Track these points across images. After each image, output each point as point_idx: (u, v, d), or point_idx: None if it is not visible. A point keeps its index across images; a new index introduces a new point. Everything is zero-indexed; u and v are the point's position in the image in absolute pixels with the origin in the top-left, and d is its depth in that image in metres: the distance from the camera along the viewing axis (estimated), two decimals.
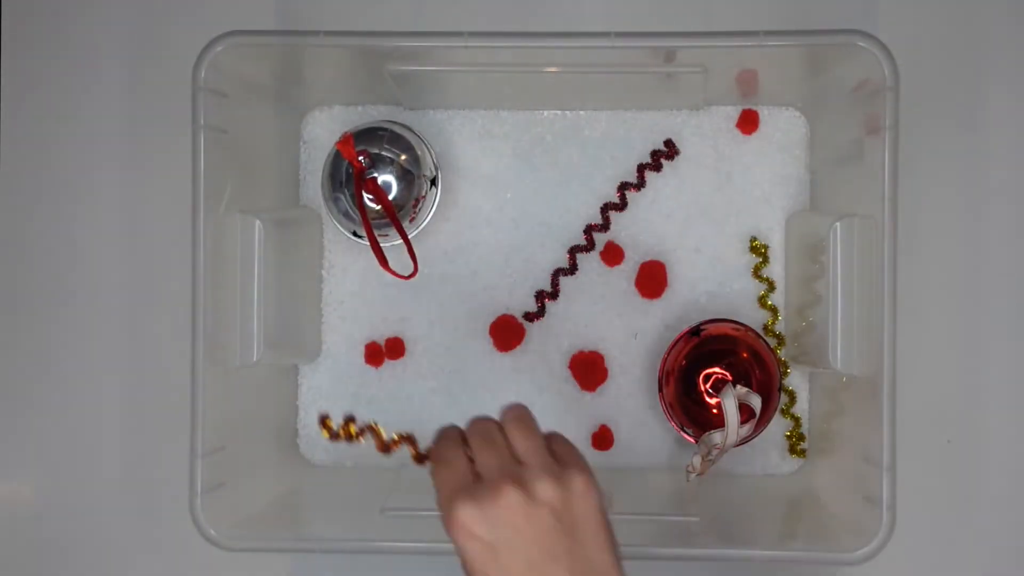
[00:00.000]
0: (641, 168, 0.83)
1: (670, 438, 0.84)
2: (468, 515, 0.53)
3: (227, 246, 0.72)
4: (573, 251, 0.83)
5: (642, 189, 0.83)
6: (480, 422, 0.58)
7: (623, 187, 0.83)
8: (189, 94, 0.70)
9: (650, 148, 0.84)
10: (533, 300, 0.84)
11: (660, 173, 0.83)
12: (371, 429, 0.63)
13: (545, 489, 0.53)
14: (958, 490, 0.83)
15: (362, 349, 0.85)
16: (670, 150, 0.83)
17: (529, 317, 0.84)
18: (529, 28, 0.83)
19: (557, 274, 0.83)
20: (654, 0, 0.84)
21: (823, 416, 0.82)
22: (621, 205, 0.83)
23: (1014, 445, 0.83)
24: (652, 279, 0.83)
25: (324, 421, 0.64)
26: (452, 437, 0.58)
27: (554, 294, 0.83)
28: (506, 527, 0.52)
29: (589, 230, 0.83)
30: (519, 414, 0.58)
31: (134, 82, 0.86)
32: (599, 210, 0.83)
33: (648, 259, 0.83)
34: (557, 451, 0.57)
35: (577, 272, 0.83)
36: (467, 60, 0.74)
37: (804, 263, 0.80)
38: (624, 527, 0.75)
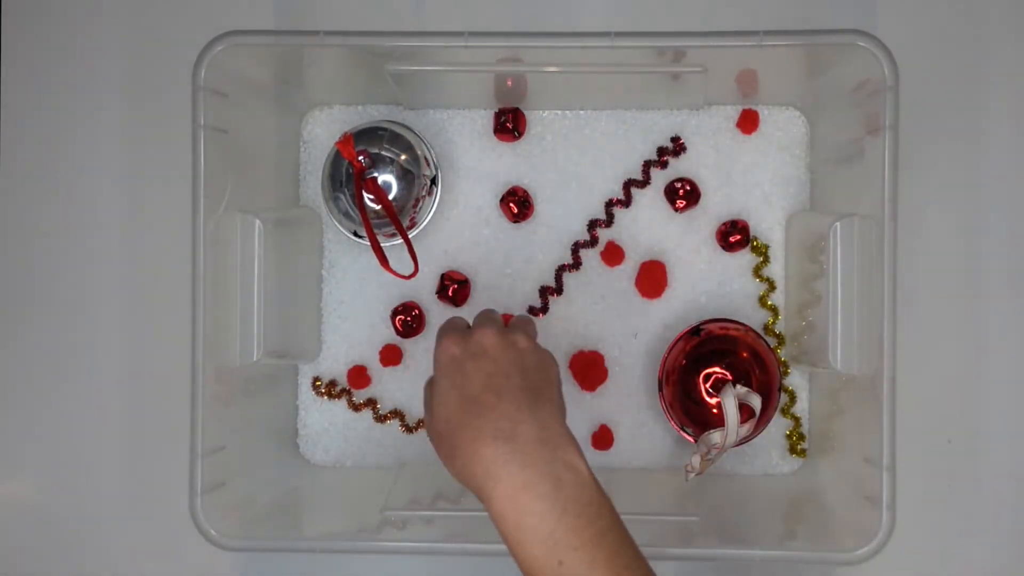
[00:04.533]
0: (647, 165, 0.83)
1: (670, 438, 0.84)
2: (452, 340, 0.64)
3: (227, 246, 0.72)
4: (576, 246, 0.83)
5: (645, 187, 0.83)
6: (485, 311, 0.70)
7: (628, 184, 0.83)
8: (189, 94, 0.70)
9: (650, 148, 0.83)
10: (532, 300, 0.84)
11: (662, 172, 0.83)
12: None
13: (519, 338, 0.64)
14: (958, 490, 0.83)
15: (363, 353, 0.85)
16: (676, 146, 0.83)
17: (533, 311, 0.84)
18: (529, 28, 0.83)
19: (561, 271, 0.83)
20: (654, 0, 0.84)
21: (823, 416, 0.82)
22: (626, 202, 0.83)
23: (1014, 445, 0.83)
24: (652, 279, 0.83)
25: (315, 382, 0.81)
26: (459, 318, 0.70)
27: (559, 289, 0.83)
28: (477, 347, 0.63)
29: (592, 225, 0.83)
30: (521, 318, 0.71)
31: (134, 82, 0.86)
32: (603, 206, 0.83)
33: (648, 259, 0.83)
34: None
35: (580, 267, 0.83)
36: (467, 60, 0.74)
37: (804, 263, 0.80)
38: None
